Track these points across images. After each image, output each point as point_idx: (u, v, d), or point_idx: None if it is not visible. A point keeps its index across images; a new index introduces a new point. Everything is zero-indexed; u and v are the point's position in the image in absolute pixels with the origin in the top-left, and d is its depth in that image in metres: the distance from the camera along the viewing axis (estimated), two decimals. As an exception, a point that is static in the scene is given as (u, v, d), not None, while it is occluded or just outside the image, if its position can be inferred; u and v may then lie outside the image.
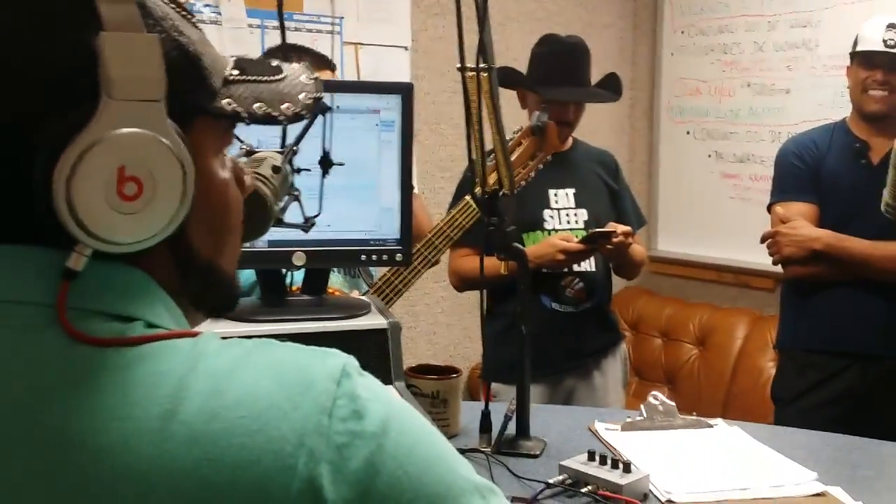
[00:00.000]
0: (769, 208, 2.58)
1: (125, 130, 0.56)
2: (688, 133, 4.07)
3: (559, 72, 2.39)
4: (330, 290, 1.61)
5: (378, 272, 2.01)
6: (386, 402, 0.57)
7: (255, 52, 2.72)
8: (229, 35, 2.89)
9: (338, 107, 1.38)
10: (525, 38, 2.85)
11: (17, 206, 0.57)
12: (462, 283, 2.44)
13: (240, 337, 0.61)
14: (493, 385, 2.28)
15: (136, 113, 0.56)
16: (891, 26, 2.40)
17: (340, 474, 0.52)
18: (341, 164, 0.98)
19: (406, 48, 3.36)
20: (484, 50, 1.21)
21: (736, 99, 3.89)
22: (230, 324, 1.32)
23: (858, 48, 2.45)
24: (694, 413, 1.71)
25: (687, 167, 4.09)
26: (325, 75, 1.92)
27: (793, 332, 2.56)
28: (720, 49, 3.91)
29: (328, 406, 0.54)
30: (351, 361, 0.58)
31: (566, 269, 2.39)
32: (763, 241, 2.52)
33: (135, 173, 0.56)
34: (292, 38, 3.04)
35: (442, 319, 3.67)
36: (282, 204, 0.83)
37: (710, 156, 3.98)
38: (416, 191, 1.86)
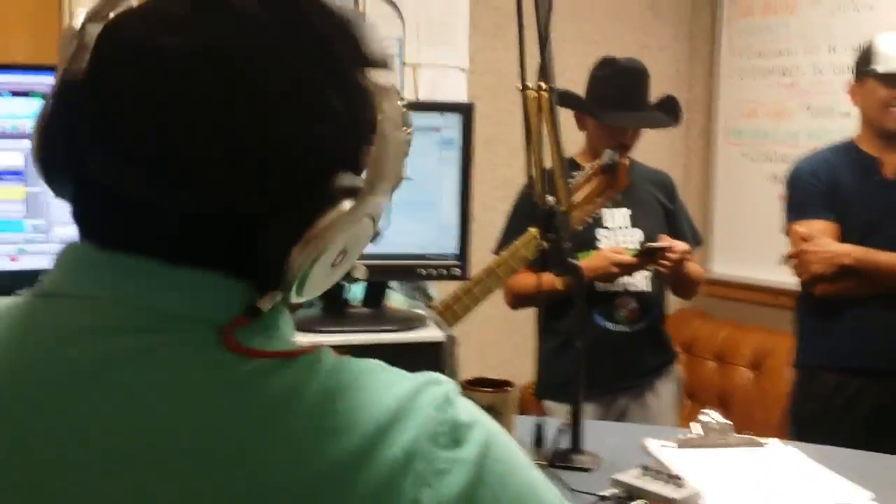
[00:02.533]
0: (787, 230, 2.54)
1: (365, 215, 0.63)
2: (745, 155, 4.05)
3: (617, 95, 2.40)
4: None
5: (437, 293, 2.03)
6: (484, 429, 0.61)
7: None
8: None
9: (400, 125, 1.42)
10: (581, 59, 2.88)
11: (224, 244, 0.61)
12: (516, 300, 2.46)
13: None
14: (546, 403, 2.29)
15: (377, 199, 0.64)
16: None
17: (439, 499, 0.56)
18: (408, 179, 1.02)
19: (464, 70, 3.41)
20: (545, 69, 1.25)
21: (795, 122, 3.86)
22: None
23: (881, 69, 2.40)
24: (749, 433, 1.71)
25: (744, 189, 4.06)
26: None
27: (816, 349, 2.52)
28: (779, 71, 3.89)
29: (433, 432, 0.58)
30: (453, 387, 0.62)
31: (620, 289, 2.40)
32: (787, 260, 2.50)
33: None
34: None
35: (491, 337, 3.69)
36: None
37: (767, 178, 3.95)
38: None
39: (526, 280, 2.33)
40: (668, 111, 2.50)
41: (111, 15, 0.60)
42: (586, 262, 2.31)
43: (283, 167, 0.60)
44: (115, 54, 0.59)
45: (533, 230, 1.89)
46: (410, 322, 1.47)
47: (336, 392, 0.59)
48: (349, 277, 1.46)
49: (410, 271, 1.47)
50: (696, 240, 2.61)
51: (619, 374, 2.42)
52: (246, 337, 0.60)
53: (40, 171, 0.65)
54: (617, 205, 2.45)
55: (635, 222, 2.47)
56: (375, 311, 1.51)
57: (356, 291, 1.55)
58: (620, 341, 2.42)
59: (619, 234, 2.46)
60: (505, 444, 0.62)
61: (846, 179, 2.47)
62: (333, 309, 1.48)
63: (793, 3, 3.83)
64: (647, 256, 2.31)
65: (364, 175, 0.63)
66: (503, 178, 3.49)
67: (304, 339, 1.39)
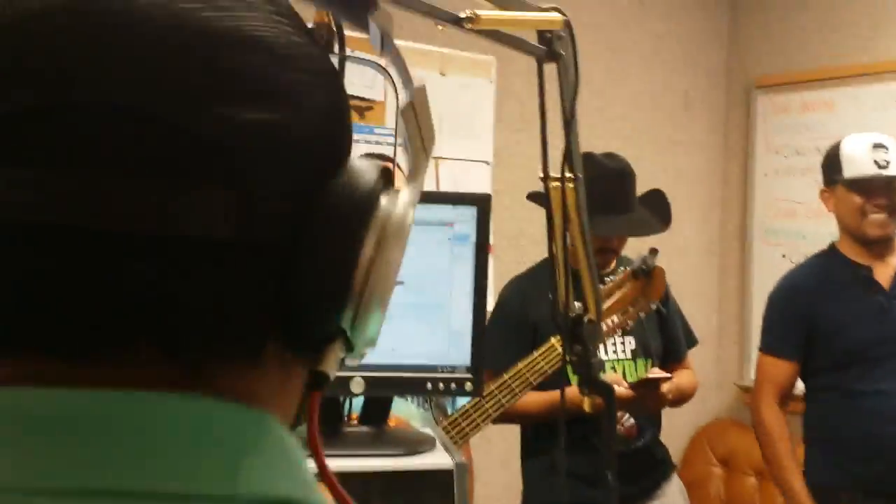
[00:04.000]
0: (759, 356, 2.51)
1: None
2: (783, 256, 3.85)
3: (601, 199, 2.21)
4: (392, 421, 1.46)
5: (454, 403, 1.84)
6: None
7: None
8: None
9: (407, 218, 1.26)
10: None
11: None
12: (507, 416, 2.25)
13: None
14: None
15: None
16: (878, 146, 2.30)
17: None
18: (400, 283, 0.85)
19: (488, 163, 3.28)
20: (569, 157, 1.08)
21: (834, 221, 3.68)
22: None
23: (848, 174, 2.33)
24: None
25: (782, 292, 3.85)
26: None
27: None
28: (817, 170, 3.73)
29: None
30: None
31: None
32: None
33: None
34: (376, 150, 3.00)
35: (497, 456, 3.44)
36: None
37: (807, 281, 3.74)
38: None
39: (530, 396, 2.08)
40: (657, 209, 2.30)
41: None
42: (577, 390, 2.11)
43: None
44: None
45: (554, 339, 1.70)
46: (416, 445, 1.27)
47: None
48: (346, 391, 1.29)
49: (416, 385, 1.28)
50: (690, 341, 2.44)
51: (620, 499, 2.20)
52: (267, 476, 0.40)
53: None
54: None
55: (626, 330, 2.27)
56: (376, 430, 1.31)
57: (358, 404, 1.37)
58: (620, 464, 2.20)
59: (609, 344, 2.24)
60: None
61: (835, 297, 2.39)
62: (327, 427, 1.28)
63: (830, 100, 3.69)
64: (644, 388, 2.10)
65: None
66: (528, 276, 3.32)
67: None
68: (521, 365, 1.65)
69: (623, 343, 2.27)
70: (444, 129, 3.17)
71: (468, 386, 1.28)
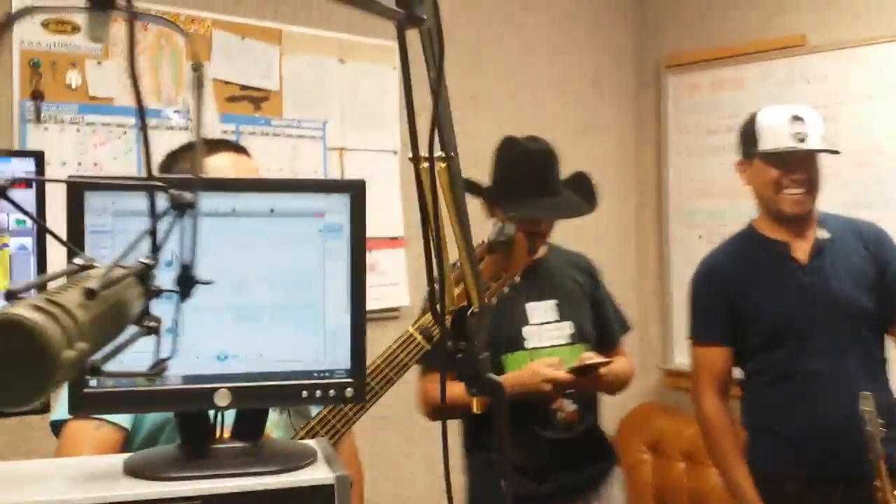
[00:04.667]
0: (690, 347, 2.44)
1: None
2: (700, 237, 3.82)
3: (527, 182, 2.13)
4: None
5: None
6: None
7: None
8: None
9: (272, 210, 1.13)
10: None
11: None
12: (435, 413, 2.16)
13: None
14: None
15: None
16: (796, 118, 2.22)
17: None
18: (208, 283, 0.72)
19: (395, 152, 3.16)
20: (442, 136, 0.97)
21: (751, 201, 3.66)
22: (137, 483, 1.04)
23: (764, 147, 2.26)
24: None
25: (701, 273, 3.82)
26: (244, 162, 1.65)
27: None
28: (731, 149, 3.70)
29: None
30: None
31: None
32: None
33: None
34: (274, 143, 2.85)
35: (420, 458, 3.33)
36: (83, 346, 0.55)
37: (725, 261, 3.72)
38: None
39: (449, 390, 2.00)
40: (582, 192, 2.23)
41: None
42: (513, 376, 2.04)
43: None
44: None
45: (412, 329, 1.59)
46: (294, 460, 1.14)
47: None
48: (210, 404, 1.15)
49: (289, 394, 1.15)
50: (623, 327, 2.38)
51: (562, 486, 2.13)
52: None
53: None
54: (542, 297, 2.20)
55: (563, 315, 2.20)
56: (249, 445, 1.18)
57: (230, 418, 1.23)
58: (562, 449, 2.13)
59: (546, 330, 2.17)
60: None
61: (755, 275, 2.33)
62: (192, 447, 1.15)
63: (739, 78, 3.67)
64: (582, 372, 2.04)
65: None
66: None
67: (154, 489, 1.07)
68: (378, 360, 1.54)
69: (560, 328, 2.21)
70: (346, 118, 3.04)
71: (348, 392, 1.16)
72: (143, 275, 0.63)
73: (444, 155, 0.99)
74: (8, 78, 2.37)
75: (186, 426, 1.16)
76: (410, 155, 0.99)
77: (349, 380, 1.16)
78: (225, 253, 1.11)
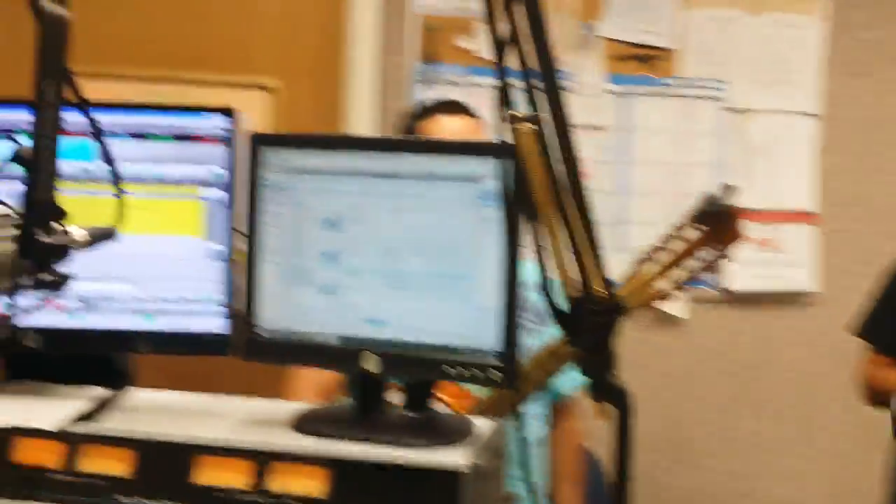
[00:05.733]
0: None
1: None
2: None
3: None
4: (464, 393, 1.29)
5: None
6: None
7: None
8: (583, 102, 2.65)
9: (429, 173, 1.07)
10: None
11: None
12: (877, 397, 1.98)
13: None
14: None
15: None
16: None
17: None
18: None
19: (814, 115, 2.76)
20: (553, 92, 0.82)
21: None
22: (298, 436, 1.08)
23: None
24: None
25: None
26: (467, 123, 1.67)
27: None
28: None
29: None
30: None
31: None
32: None
33: None
34: (665, 104, 2.70)
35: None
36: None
37: None
38: None
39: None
40: None
41: None
42: None
43: None
44: None
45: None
46: (446, 436, 1.09)
47: None
48: (356, 367, 1.12)
49: (433, 368, 1.09)
50: None
51: None
52: None
53: None
54: None
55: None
56: (417, 416, 1.15)
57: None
58: None
59: None
60: None
61: None
62: (367, 409, 1.14)
63: None
64: None
65: None
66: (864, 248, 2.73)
67: (319, 444, 1.09)
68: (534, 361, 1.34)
69: None
70: (753, 76, 2.75)
71: (494, 375, 1.06)
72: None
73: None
74: (400, 42, 2.59)
75: (364, 389, 1.15)
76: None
77: (497, 363, 1.06)
78: (379, 218, 1.08)
